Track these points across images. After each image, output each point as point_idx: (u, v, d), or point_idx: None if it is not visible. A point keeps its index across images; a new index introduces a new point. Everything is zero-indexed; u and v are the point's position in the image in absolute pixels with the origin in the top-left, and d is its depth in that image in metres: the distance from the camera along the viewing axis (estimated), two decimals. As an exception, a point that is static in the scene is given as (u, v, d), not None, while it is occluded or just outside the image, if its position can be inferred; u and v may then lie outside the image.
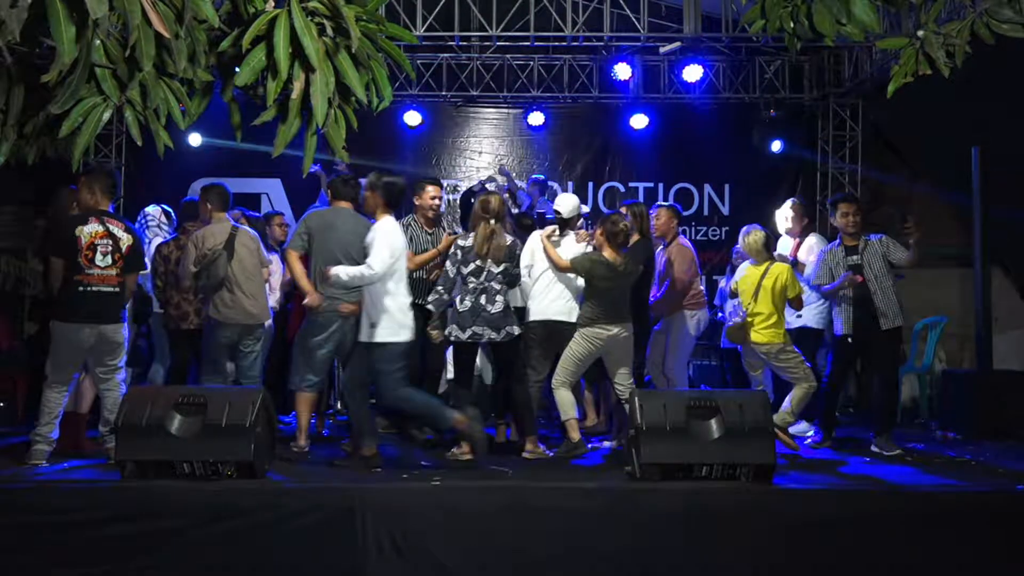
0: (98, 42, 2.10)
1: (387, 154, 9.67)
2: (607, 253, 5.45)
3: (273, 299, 6.24)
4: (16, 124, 2.38)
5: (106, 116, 2.28)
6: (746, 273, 5.97)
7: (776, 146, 9.69)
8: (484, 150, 10.08)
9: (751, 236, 5.97)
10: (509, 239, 5.41)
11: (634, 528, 4.25)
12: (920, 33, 3.03)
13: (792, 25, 2.94)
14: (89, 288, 4.90)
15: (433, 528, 4.22)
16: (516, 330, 5.32)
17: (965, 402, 6.84)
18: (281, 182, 9.50)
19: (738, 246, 6.36)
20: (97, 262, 4.93)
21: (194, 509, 4.21)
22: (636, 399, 4.69)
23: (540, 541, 4.23)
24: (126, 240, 5.05)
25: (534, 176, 8.81)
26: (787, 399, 5.73)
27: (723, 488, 4.42)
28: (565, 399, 5.47)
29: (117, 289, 5.00)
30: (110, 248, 4.97)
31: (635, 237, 5.78)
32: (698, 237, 9.67)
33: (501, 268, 5.30)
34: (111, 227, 5.01)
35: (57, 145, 2.52)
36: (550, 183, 9.27)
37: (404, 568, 4.13)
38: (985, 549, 4.27)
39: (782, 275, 5.82)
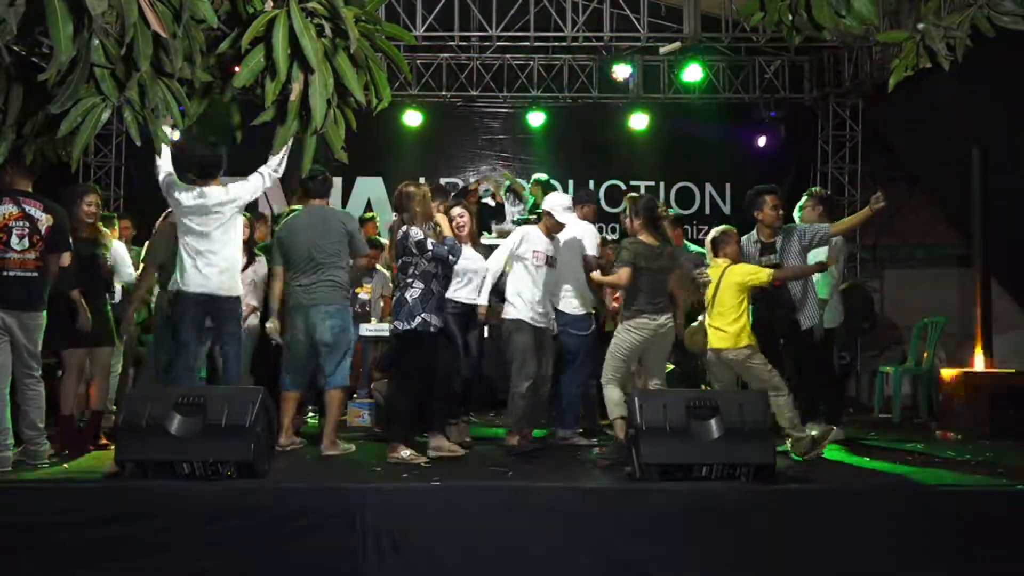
0: (97, 42, 2.10)
1: (387, 154, 9.71)
2: (644, 237, 5.38)
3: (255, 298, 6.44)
4: (15, 124, 2.38)
5: (105, 116, 2.28)
6: (710, 273, 5.59)
7: (761, 141, 9.72)
8: (484, 150, 10.09)
9: (709, 238, 5.69)
10: (400, 233, 5.27)
11: (634, 528, 4.25)
12: (920, 26, 3.03)
13: (791, 18, 2.93)
14: (6, 273, 4.65)
15: (433, 528, 4.22)
16: (401, 326, 5.18)
17: (965, 402, 6.83)
18: (280, 181, 9.47)
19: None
20: (13, 245, 4.66)
21: (194, 509, 4.21)
22: (636, 399, 4.68)
23: (540, 541, 4.23)
24: (46, 221, 4.78)
25: (537, 176, 8.81)
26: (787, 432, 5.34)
27: (723, 488, 4.42)
28: (613, 397, 5.32)
29: (36, 273, 4.73)
30: (27, 230, 4.70)
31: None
32: (700, 236, 9.68)
33: (400, 262, 5.29)
34: (27, 208, 4.72)
35: (56, 144, 2.52)
36: (552, 182, 9.28)
37: (404, 568, 4.13)
38: (985, 549, 4.26)
39: (742, 273, 5.44)
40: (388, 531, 4.16)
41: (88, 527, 4.14)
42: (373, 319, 7.16)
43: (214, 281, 5.25)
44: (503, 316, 5.74)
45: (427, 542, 4.18)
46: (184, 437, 4.45)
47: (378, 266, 7.45)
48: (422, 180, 9.18)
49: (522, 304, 5.66)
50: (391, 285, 7.55)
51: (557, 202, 5.81)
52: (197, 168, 5.41)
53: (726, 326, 5.35)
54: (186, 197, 5.30)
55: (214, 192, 5.32)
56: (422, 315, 5.15)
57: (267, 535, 4.16)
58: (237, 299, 5.42)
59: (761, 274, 5.39)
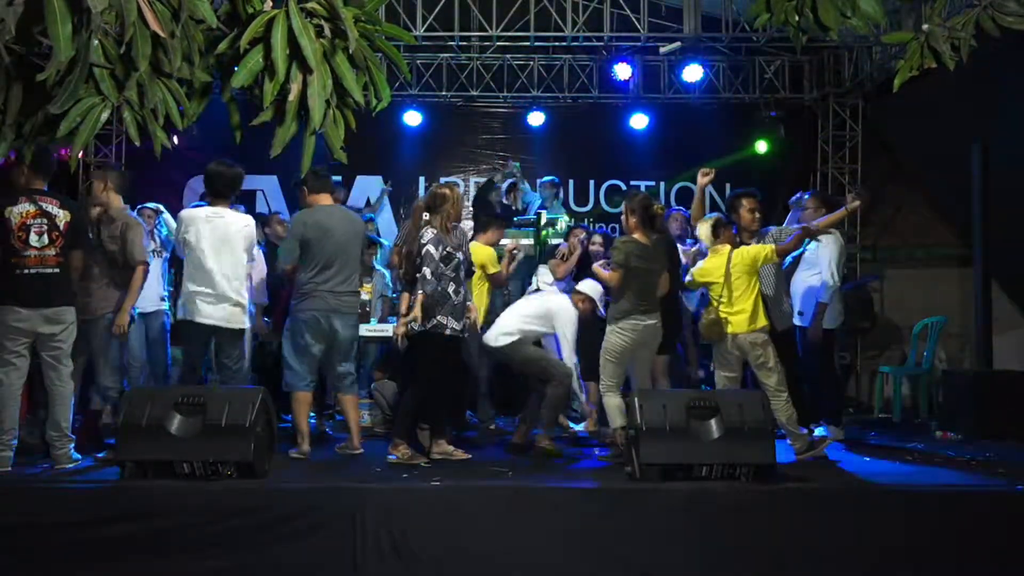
0: (96, 42, 2.10)
1: (387, 154, 9.71)
2: (638, 236, 5.37)
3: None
4: (14, 123, 2.38)
5: (104, 116, 2.28)
6: (708, 262, 5.55)
7: (762, 146, 9.73)
8: (484, 150, 10.09)
9: (703, 227, 5.60)
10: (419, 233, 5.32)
11: (634, 528, 4.25)
12: (925, 27, 3.03)
13: (796, 19, 2.93)
14: (25, 271, 4.68)
15: (433, 528, 4.22)
16: (415, 326, 5.15)
17: (965, 402, 6.84)
18: (277, 178, 9.50)
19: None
20: (32, 243, 4.69)
21: (194, 509, 4.22)
22: (636, 399, 4.68)
23: (540, 541, 4.23)
24: (63, 217, 4.79)
25: (547, 178, 8.86)
26: (786, 429, 5.29)
27: (723, 488, 4.42)
28: (612, 405, 5.30)
29: (57, 270, 4.75)
30: (45, 227, 4.71)
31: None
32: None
33: (418, 262, 5.23)
34: (44, 205, 4.75)
35: (56, 144, 2.52)
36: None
37: (403, 568, 4.13)
38: (985, 549, 4.26)
39: (749, 253, 5.42)
40: (388, 531, 4.16)
41: (88, 527, 4.15)
42: (373, 319, 7.16)
43: (221, 315, 5.22)
44: (494, 344, 5.75)
45: (427, 542, 4.19)
46: (184, 437, 4.46)
47: (378, 266, 7.45)
48: (420, 180, 9.24)
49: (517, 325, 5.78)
50: (390, 285, 7.56)
51: (597, 292, 5.77)
52: (224, 187, 5.31)
53: (743, 307, 5.33)
54: (203, 222, 5.21)
55: (233, 217, 5.31)
56: (437, 317, 5.15)
57: (267, 535, 4.16)
58: (243, 331, 5.41)
59: (768, 251, 5.40)
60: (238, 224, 5.31)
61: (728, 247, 5.48)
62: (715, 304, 5.42)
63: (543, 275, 6.91)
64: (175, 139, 7.74)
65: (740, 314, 5.34)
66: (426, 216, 5.33)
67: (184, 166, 9.11)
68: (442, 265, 5.18)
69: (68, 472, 4.76)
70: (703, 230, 5.60)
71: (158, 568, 4.12)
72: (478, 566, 4.18)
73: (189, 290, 5.19)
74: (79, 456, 4.95)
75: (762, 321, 5.34)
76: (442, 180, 9.29)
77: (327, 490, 4.40)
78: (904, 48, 3.09)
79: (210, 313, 5.17)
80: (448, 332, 5.19)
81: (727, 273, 5.38)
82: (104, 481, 4.53)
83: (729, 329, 5.36)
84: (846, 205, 5.75)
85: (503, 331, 5.74)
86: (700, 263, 5.68)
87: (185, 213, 5.36)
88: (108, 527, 4.16)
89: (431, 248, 5.15)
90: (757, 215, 5.80)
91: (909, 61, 3.07)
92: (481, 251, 6.19)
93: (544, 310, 5.80)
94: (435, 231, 5.22)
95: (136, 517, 4.20)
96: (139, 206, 6.23)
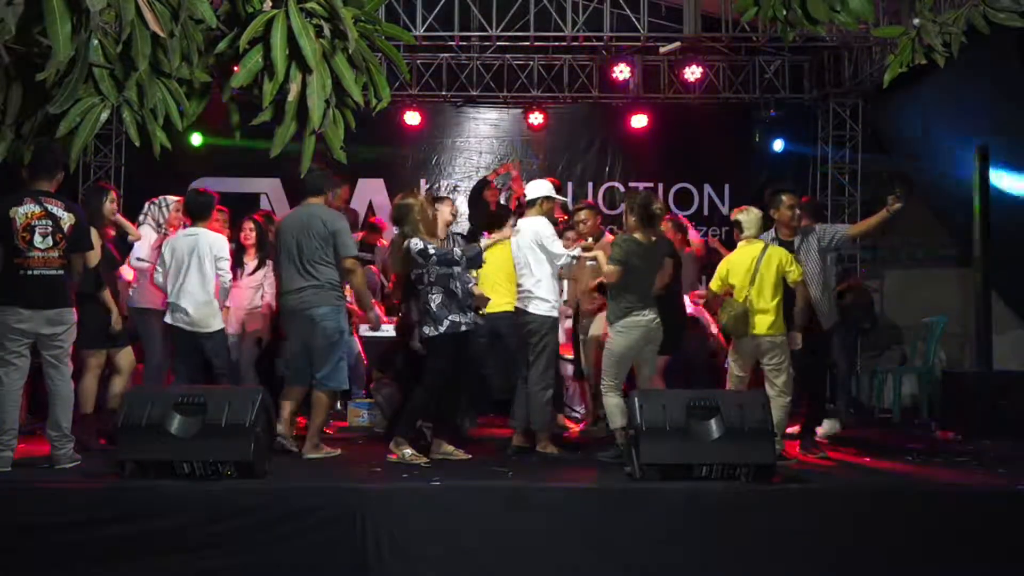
0: (95, 42, 2.10)
1: (388, 155, 9.71)
2: (639, 235, 5.36)
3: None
4: (13, 124, 2.38)
5: (104, 116, 2.27)
6: (736, 255, 5.48)
7: (778, 145, 9.72)
8: (484, 150, 10.08)
9: (752, 212, 5.51)
10: (403, 248, 5.34)
11: (634, 528, 4.25)
12: (916, 22, 3.02)
13: (784, 12, 2.92)
14: (29, 272, 4.67)
15: (433, 528, 4.22)
16: (429, 331, 5.19)
17: (965, 402, 6.83)
18: (280, 181, 9.49)
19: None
20: (36, 244, 4.68)
21: (194, 509, 4.22)
22: (636, 399, 4.68)
23: (540, 541, 4.23)
24: (68, 220, 4.79)
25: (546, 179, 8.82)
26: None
27: (723, 488, 4.42)
28: (612, 405, 5.27)
29: (60, 271, 4.76)
30: (50, 229, 4.71)
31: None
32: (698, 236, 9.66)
33: (413, 275, 5.33)
34: (50, 207, 4.74)
35: (55, 145, 2.51)
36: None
37: (403, 568, 4.14)
38: (985, 549, 4.26)
39: (782, 257, 5.37)
40: (388, 531, 4.17)
41: (88, 527, 4.15)
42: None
43: (197, 320, 5.66)
44: (530, 311, 5.66)
45: (427, 542, 4.19)
46: (184, 437, 4.46)
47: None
48: (420, 181, 9.23)
49: (554, 302, 5.73)
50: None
51: (547, 188, 6.07)
52: (198, 211, 5.78)
53: (768, 307, 5.29)
54: (179, 240, 5.70)
55: (206, 235, 5.72)
56: (449, 318, 5.15)
57: (267, 535, 4.16)
58: (221, 331, 5.82)
59: (795, 272, 5.36)
60: (209, 242, 5.71)
61: (763, 242, 5.44)
62: (742, 298, 5.32)
63: None
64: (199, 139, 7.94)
65: (765, 315, 5.30)
66: (395, 230, 5.40)
67: (189, 167, 9.10)
68: (441, 267, 5.18)
69: (68, 472, 4.76)
70: (751, 217, 5.50)
71: (158, 568, 4.13)
72: (478, 566, 4.19)
73: (172, 301, 5.66)
74: (79, 456, 4.95)
75: (782, 328, 5.32)
76: (442, 182, 9.30)
77: (327, 490, 4.40)
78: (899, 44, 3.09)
79: (187, 320, 5.62)
80: (463, 329, 5.22)
81: (758, 266, 5.33)
82: (104, 481, 4.53)
83: (757, 329, 5.30)
84: (887, 207, 5.57)
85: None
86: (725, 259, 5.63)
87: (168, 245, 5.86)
88: (108, 527, 4.16)
89: (420, 254, 5.16)
90: (797, 212, 5.75)
91: (900, 56, 3.07)
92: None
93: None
94: (419, 239, 5.20)
95: (136, 517, 4.20)
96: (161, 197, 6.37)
